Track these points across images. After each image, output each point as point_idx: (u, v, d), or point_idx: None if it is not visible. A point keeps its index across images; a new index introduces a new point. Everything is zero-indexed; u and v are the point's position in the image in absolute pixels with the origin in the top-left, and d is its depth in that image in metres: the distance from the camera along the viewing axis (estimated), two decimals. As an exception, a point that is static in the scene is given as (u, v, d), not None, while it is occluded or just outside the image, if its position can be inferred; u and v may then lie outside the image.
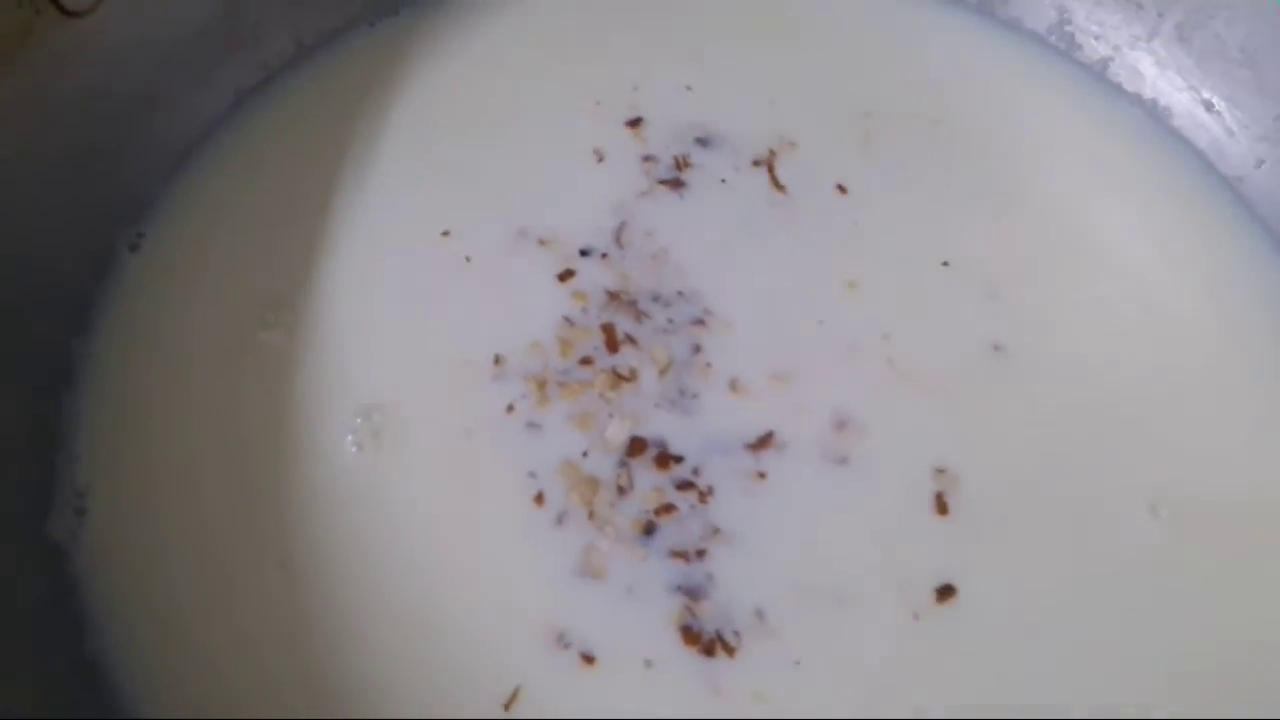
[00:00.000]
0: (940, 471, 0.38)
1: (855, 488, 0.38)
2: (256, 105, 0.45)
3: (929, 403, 0.40)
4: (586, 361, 0.40)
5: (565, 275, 0.42)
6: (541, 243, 0.43)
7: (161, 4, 0.42)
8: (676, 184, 0.45)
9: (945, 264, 0.43)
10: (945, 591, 0.36)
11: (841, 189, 0.45)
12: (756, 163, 0.46)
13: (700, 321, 0.41)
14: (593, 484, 0.37)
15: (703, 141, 0.46)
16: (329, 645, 0.34)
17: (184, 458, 0.37)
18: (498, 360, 0.40)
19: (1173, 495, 0.38)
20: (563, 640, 0.34)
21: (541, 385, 0.39)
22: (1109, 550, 0.37)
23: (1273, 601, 0.37)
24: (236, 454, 0.37)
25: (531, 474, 0.38)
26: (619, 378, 0.40)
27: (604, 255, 0.43)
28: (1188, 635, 0.36)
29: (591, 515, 0.37)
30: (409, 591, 0.35)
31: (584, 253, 0.43)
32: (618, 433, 0.39)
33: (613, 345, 0.41)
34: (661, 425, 0.39)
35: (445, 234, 0.43)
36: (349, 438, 0.37)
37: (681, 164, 0.45)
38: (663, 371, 0.40)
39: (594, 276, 0.42)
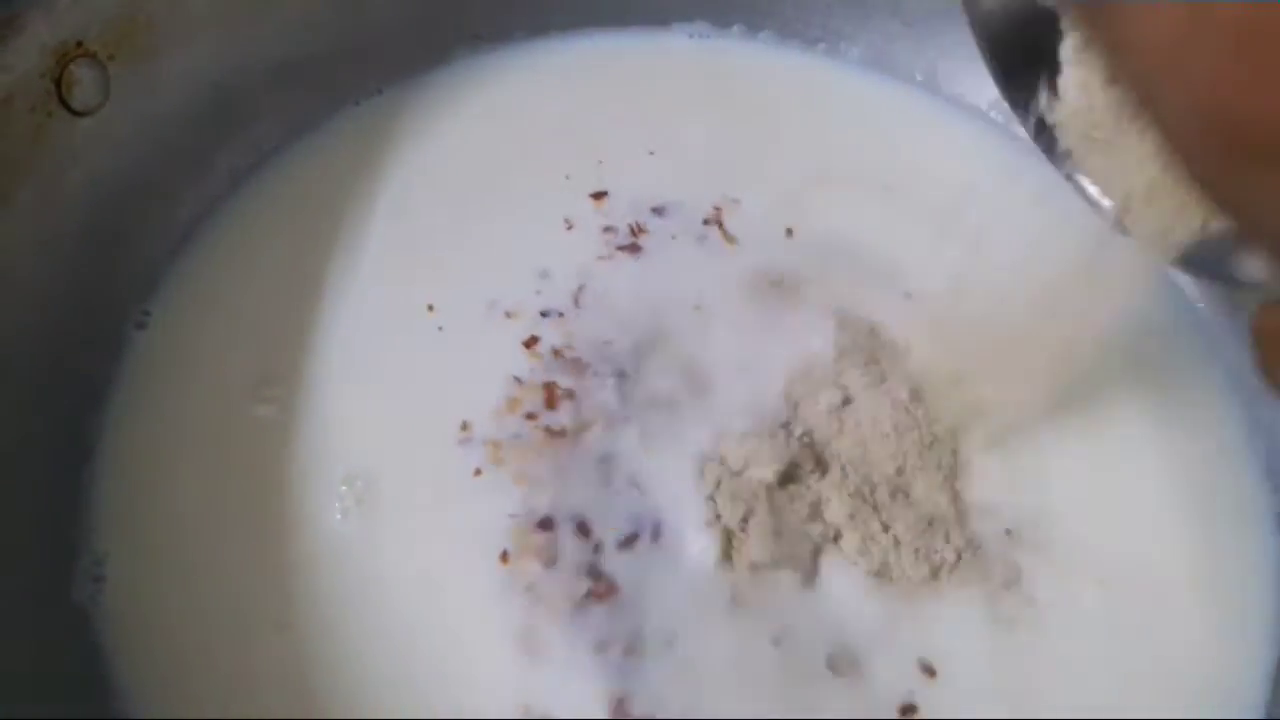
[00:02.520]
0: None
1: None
2: (251, 185, 0.49)
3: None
4: (558, 433, 0.43)
5: (531, 341, 0.45)
6: (509, 314, 0.46)
7: (160, 98, 0.45)
8: (634, 249, 0.48)
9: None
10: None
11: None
12: (706, 221, 0.49)
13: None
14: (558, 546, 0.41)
15: (658, 210, 0.49)
16: (324, 703, 0.37)
17: (190, 526, 0.40)
18: (465, 426, 0.42)
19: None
20: (529, 696, 0.38)
21: (505, 448, 0.42)
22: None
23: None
24: (236, 522, 0.40)
25: (499, 535, 0.40)
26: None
27: (560, 315, 0.46)
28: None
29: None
30: (392, 649, 0.38)
31: (544, 314, 0.46)
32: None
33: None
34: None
35: (430, 308, 0.46)
36: (335, 505, 0.40)
37: (637, 230, 0.49)
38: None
39: (552, 339, 0.45)
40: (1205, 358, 0.48)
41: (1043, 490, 0.44)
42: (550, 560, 0.40)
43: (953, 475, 0.43)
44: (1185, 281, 0.50)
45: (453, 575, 0.39)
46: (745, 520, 0.40)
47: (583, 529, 0.40)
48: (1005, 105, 0.54)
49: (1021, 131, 0.54)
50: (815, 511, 0.41)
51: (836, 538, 0.41)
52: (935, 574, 0.41)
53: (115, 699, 0.36)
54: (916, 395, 0.44)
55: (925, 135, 0.55)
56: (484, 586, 0.39)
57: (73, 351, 0.42)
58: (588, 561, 0.39)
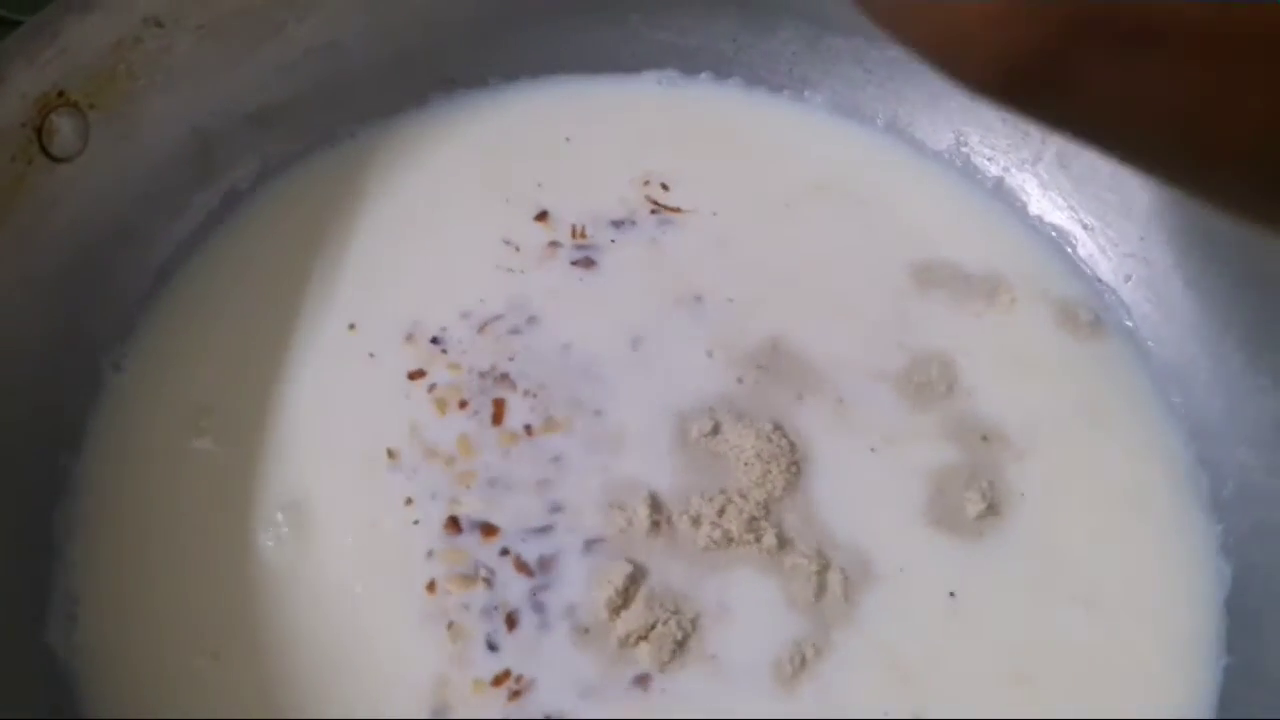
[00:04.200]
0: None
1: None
2: (226, 227, 0.50)
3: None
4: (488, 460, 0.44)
5: (463, 376, 0.47)
6: (438, 337, 0.48)
7: (139, 144, 0.47)
8: (588, 263, 0.51)
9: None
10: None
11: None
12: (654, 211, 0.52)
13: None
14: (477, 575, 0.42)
15: (614, 238, 0.52)
16: None
17: (153, 562, 0.41)
18: (391, 455, 0.44)
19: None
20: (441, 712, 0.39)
21: (436, 477, 0.44)
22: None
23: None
24: (191, 556, 0.41)
25: (429, 553, 0.42)
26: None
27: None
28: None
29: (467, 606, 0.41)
30: (316, 676, 0.39)
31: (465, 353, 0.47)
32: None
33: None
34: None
35: (352, 327, 0.48)
36: (269, 532, 0.42)
37: (579, 232, 0.52)
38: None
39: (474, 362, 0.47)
40: (1152, 396, 0.49)
41: (989, 527, 0.45)
42: (473, 591, 0.41)
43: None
44: (1138, 322, 0.51)
45: (378, 603, 0.41)
46: (626, 589, 0.41)
47: (502, 561, 0.42)
48: (963, 150, 0.57)
49: (979, 175, 0.56)
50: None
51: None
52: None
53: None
54: (779, 426, 0.46)
55: (886, 177, 0.56)
56: (409, 615, 0.40)
57: (51, 394, 0.43)
58: (506, 595, 0.41)
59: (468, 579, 0.41)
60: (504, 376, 0.46)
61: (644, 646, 0.40)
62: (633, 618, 0.41)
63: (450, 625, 0.40)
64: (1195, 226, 0.50)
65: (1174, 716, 0.41)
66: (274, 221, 0.51)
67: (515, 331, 0.48)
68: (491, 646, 0.40)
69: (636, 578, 0.42)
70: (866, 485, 0.45)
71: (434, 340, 0.48)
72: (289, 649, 0.39)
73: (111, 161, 0.45)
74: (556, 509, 0.43)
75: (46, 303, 0.43)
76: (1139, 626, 0.43)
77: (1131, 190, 0.52)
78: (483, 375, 0.46)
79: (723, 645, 0.41)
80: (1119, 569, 0.45)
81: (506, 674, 0.40)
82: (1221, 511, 0.46)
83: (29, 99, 0.41)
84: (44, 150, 0.42)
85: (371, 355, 0.47)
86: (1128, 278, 0.52)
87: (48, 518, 0.42)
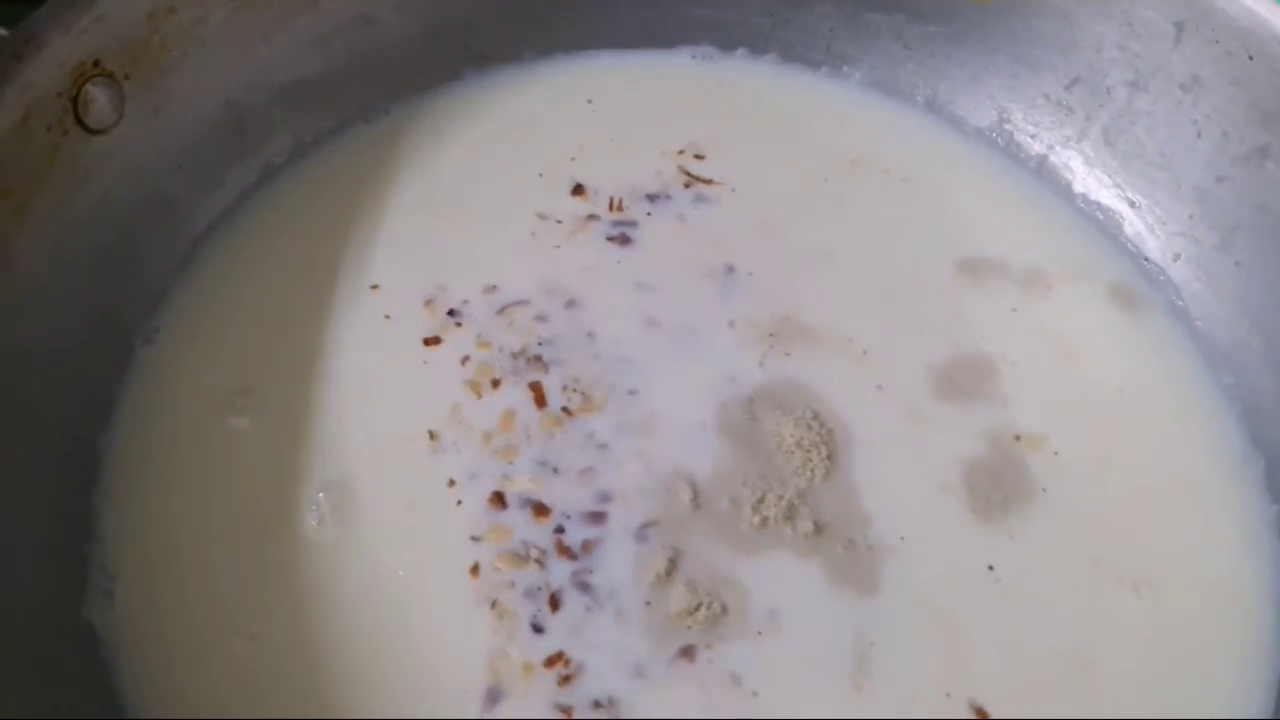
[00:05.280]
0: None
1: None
2: (259, 202, 0.50)
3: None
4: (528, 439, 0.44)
5: (485, 343, 0.46)
6: (455, 308, 0.47)
7: (173, 116, 0.46)
8: (624, 240, 0.50)
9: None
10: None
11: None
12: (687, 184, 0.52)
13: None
14: (528, 556, 0.41)
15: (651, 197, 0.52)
16: (289, 710, 0.37)
17: (189, 538, 0.41)
18: (433, 436, 0.43)
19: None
20: (493, 697, 0.38)
21: (479, 459, 0.43)
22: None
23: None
24: (229, 533, 0.41)
25: (474, 538, 0.41)
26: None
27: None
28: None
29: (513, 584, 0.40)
30: (358, 656, 0.38)
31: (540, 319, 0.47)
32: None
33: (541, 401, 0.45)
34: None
35: (375, 287, 0.47)
36: (311, 511, 0.41)
37: (616, 205, 0.51)
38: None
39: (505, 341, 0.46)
40: (1203, 377, 0.48)
41: (1046, 499, 0.44)
42: (523, 570, 0.40)
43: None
44: (1187, 301, 0.50)
45: (422, 585, 0.40)
46: (669, 570, 0.41)
47: (552, 543, 0.41)
48: (1006, 127, 0.56)
49: (1022, 153, 0.55)
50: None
51: None
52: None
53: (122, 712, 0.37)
54: (817, 414, 0.45)
55: (926, 155, 0.55)
56: (453, 597, 0.40)
57: (84, 367, 0.43)
58: (551, 577, 0.41)
59: (519, 558, 0.41)
60: (537, 358, 0.46)
61: (687, 626, 0.40)
62: (676, 599, 0.40)
63: (495, 605, 0.40)
64: (1246, 203, 0.49)
65: (1232, 696, 0.40)
66: (308, 197, 0.50)
67: (544, 316, 0.47)
68: (536, 629, 0.39)
69: (677, 560, 0.41)
70: (901, 470, 0.44)
71: (449, 312, 0.47)
72: (331, 629, 0.38)
73: (146, 134, 0.45)
74: (606, 494, 0.42)
75: (80, 274, 0.43)
76: (1192, 610, 0.42)
77: (1180, 167, 0.51)
78: (515, 356, 0.46)
79: (766, 623, 0.40)
80: (1169, 553, 0.44)
81: (558, 656, 0.39)
82: (1278, 494, 0.45)
83: (66, 68, 0.41)
84: (79, 121, 0.42)
85: (387, 317, 0.46)
86: (1176, 256, 0.51)
87: (85, 492, 0.41)
